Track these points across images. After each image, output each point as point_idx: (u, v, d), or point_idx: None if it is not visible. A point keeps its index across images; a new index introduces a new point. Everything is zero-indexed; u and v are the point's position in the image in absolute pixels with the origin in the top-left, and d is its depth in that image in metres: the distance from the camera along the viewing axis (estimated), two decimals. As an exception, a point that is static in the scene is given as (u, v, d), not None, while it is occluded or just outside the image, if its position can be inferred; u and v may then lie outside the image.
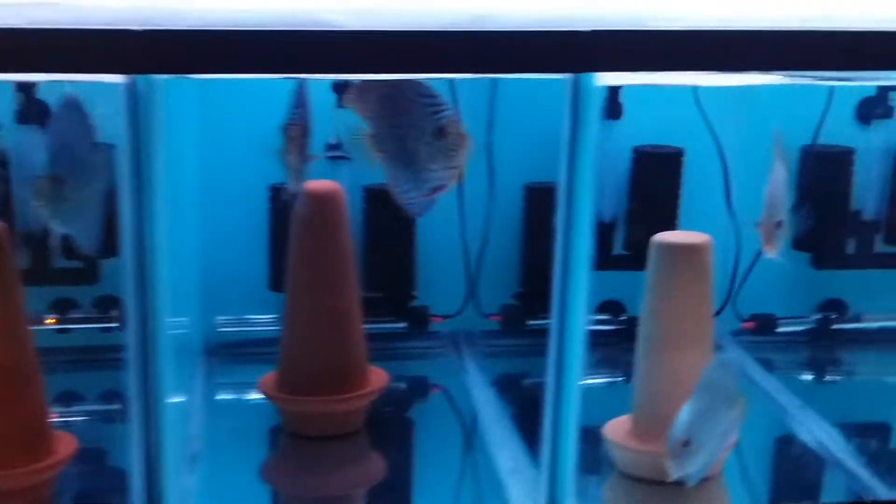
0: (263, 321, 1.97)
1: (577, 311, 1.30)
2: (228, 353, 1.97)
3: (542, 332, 2.07)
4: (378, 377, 1.69)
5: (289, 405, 1.63)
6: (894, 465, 1.50)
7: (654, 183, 2.01)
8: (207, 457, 1.61)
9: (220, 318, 1.98)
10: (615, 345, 2.02)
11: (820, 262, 2.08)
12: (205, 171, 1.89)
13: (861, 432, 1.75)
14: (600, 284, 2.09)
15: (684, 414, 1.34)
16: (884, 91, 2.04)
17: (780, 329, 2.10)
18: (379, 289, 1.99)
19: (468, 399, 1.85)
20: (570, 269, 1.28)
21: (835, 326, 2.11)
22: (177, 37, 1.11)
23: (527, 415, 1.67)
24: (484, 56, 1.14)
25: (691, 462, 1.34)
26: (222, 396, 1.86)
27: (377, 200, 1.95)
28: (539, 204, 2.01)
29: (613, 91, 1.98)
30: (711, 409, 1.35)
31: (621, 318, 2.05)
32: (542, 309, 2.05)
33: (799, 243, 2.08)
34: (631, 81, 1.24)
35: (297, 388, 1.62)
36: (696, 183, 2.05)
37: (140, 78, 1.15)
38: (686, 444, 1.34)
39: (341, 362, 1.62)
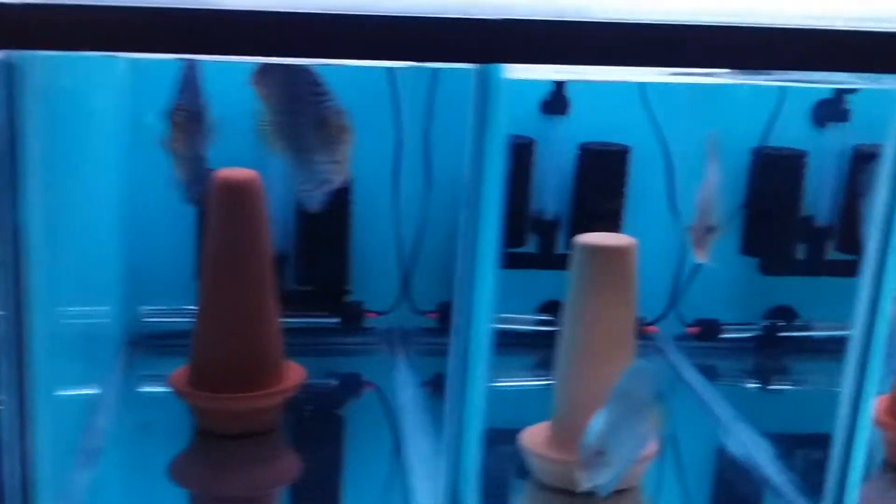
0: (191, 312, 1.91)
1: (482, 311, 1.24)
2: (153, 345, 1.91)
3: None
4: (295, 373, 1.63)
5: (198, 401, 1.57)
6: (821, 480, 1.44)
7: (599, 181, 1.95)
8: (112, 452, 1.55)
9: (145, 309, 1.92)
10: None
11: (768, 268, 2.02)
12: (132, 156, 1.83)
13: (795, 444, 1.69)
14: (543, 284, 2.06)
15: (597, 423, 1.29)
16: (840, 93, 1.98)
17: (726, 335, 2.05)
18: (312, 282, 1.94)
19: (398, 398, 1.80)
20: (475, 267, 1.21)
21: (782, 334, 2.06)
22: (56, 12, 1.05)
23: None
24: (376, 42, 1.07)
25: (603, 472, 1.29)
26: (140, 389, 1.80)
27: (311, 191, 1.89)
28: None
29: (559, 86, 1.93)
30: (626, 418, 1.30)
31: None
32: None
33: (747, 248, 2.03)
34: (544, 75, 1.17)
35: (206, 384, 1.56)
36: (644, 182, 1.99)
37: (17, 54, 1.08)
38: (599, 453, 1.29)
39: (253, 358, 1.56)
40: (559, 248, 2.00)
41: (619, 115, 1.96)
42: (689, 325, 2.04)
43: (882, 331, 1.34)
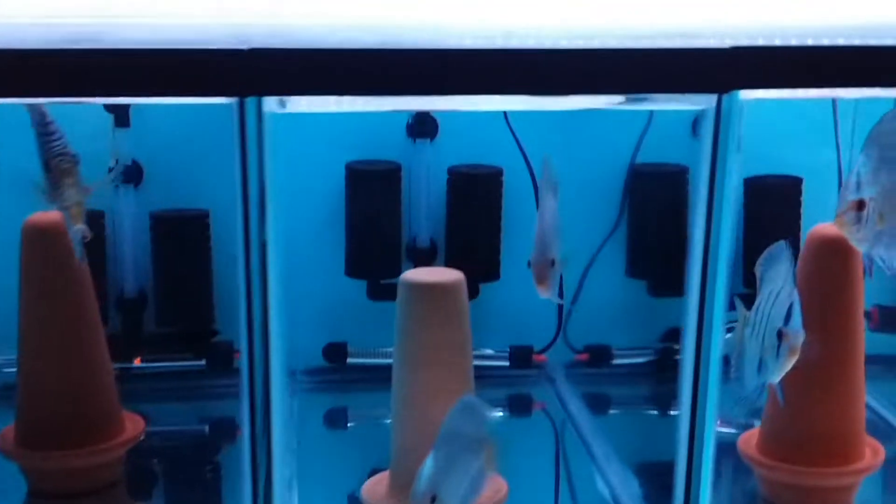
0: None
1: (274, 350, 1.16)
2: (9, 396, 1.82)
3: (358, 368, 1.95)
4: (133, 425, 1.54)
5: (21, 461, 1.48)
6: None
7: (471, 205, 1.87)
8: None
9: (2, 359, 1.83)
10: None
11: (657, 290, 1.93)
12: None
13: (663, 479, 1.60)
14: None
15: (427, 467, 1.20)
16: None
17: (618, 361, 1.96)
18: (174, 324, 1.85)
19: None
20: (254, 307, 1.14)
21: (679, 357, 1.96)
22: None
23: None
24: (118, 77, 0.99)
25: (439, 519, 1.20)
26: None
27: (166, 228, 1.81)
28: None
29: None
30: (457, 459, 1.21)
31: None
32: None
33: (632, 270, 1.94)
34: (318, 107, 1.09)
35: (33, 442, 1.47)
36: (524, 204, 1.90)
37: None
38: (432, 499, 1.20)
39: (80, 412, 1.47)
40: (437, 278, 1.91)
41: (492, 137, 1.87)
42: (579, 352, 1.96)
43: (716, 356, 1.27)
